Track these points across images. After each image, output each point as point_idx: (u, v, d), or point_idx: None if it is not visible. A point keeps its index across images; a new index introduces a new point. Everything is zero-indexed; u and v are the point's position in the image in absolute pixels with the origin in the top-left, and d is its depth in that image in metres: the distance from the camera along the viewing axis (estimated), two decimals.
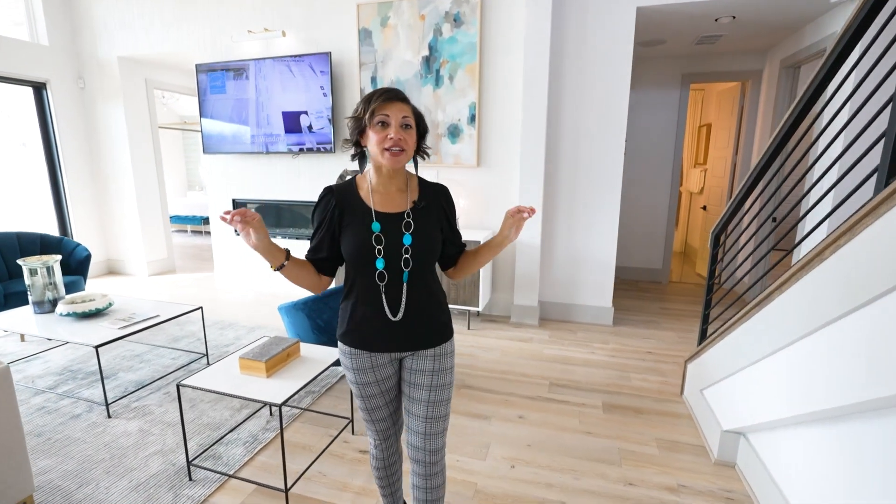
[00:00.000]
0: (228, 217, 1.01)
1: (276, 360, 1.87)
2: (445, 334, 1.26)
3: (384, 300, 1.17)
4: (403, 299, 1.17)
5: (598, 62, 3.29)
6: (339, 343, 1.26)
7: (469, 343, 3.28)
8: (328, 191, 1.20)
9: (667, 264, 4.87)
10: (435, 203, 1.23)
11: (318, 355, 2.06)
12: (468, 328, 3.55)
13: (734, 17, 3.30)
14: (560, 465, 1.98)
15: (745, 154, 4.46)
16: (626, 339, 3.36)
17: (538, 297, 3.68)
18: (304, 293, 4.33)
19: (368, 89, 3.80)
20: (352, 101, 3.89)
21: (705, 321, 2.44)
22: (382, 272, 1.16)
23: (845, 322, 1.22)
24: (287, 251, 1.16)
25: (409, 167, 1.25)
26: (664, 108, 4.58)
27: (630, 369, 2.88)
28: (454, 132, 3.67)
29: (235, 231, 1.30)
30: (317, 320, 2.26)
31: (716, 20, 3.37)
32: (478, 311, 3.69)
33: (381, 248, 1.15)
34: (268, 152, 4.12)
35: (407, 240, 1.15)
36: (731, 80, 4.39)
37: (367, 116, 1.12)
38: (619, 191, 3.42)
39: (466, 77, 3.55)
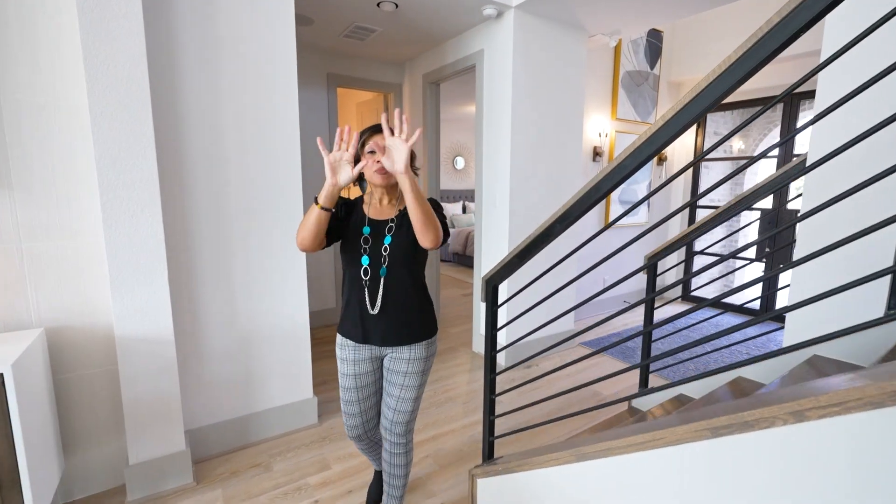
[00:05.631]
0: (347, 139, 1.21)
1: None
2: (418, 336, 1.41)
3: (366, 294, 1.35)
4: (380, 294, 1.33)
5: (244, 25, 1.95)
6: (338, 333, 1.47)
7: None
8: (342, 198, 1.40)
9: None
10: None
11: None
12: None
13: (397, 6, 2.74)
14: None
15: None
16: (349, 446, 2.24)
17: (184, 430, 1.98)
18: None
19: None
20: None
21: (492, 411, 1.67)
22: (367, 268, 1.34)
23: None
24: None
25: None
26: (313, 112, 3.67)
27: None
28: None
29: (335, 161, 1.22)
30: None
31: (378, 4, 2.71)
32: None
33: (367, 247, 1.34)
34: None
35: (387, 240, 1.34)
36: (374, 89, 3.99)
37: (360, 148, 1.32)
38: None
39: None
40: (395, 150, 1.15)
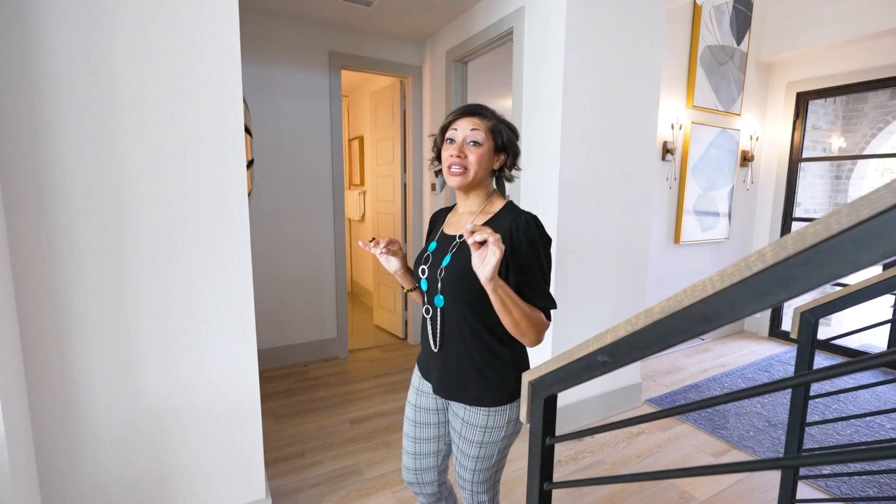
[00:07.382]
0: (376, 245, 1.07)
1: None
2: (473, 398, 1.05)
3: (429, 326, 1.10)
4: (438, 329, 1.08)
5: None
6: None
7: None
8: (436, 211, 1.25)
9: (344, 329, 3.34)
10: (503, 233, 0.97)
11: None
12: None
13: None
14: None
15: (415, 170, 3.46)
16: None
17: None
18: None
19: None
20: None
21: None
22: (425, 294, 1.11)
23: None
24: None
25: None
26: (310, 98, 2.99)
27: None
28: None
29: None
30: None
31: None
32: None
33: (424, 267, 1.10)
34: None
35: (446, 260, 1.05)
36: (388, 71, 3.28)
37: (440, 135, 1.09)
38: (248, 247, 1.50)
39: None
40: (491, 252, 0.86)
